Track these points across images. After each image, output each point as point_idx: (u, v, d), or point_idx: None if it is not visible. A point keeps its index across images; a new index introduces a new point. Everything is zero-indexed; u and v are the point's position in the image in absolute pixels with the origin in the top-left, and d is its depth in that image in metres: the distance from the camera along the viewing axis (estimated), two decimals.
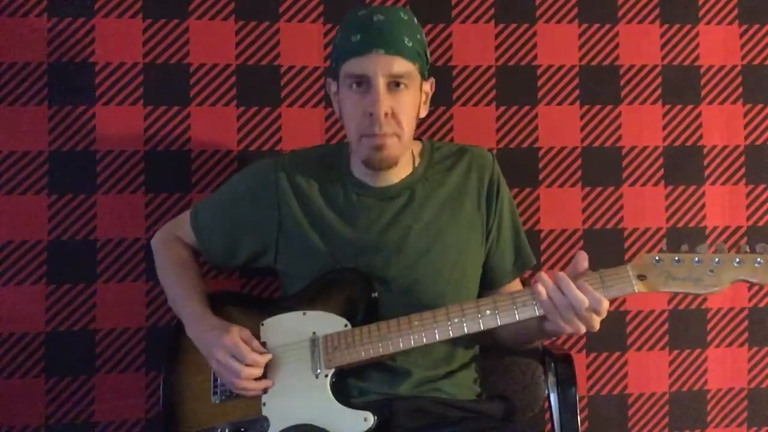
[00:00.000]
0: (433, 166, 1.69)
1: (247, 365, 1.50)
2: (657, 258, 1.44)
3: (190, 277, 1.70)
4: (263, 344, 1.57)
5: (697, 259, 1.42)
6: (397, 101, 1.53)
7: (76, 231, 1.95)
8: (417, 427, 1.54)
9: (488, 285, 1.71)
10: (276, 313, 1.61)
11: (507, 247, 1.71)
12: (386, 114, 1.52)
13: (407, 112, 1.55)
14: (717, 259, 1.41)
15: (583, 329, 1.43)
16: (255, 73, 2.00)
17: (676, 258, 1.43)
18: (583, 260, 1.45)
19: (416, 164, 1.67)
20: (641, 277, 1.44)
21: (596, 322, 1.43)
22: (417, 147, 1.70)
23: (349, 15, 1.58)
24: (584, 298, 1.40)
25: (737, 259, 1.40)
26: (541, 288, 1.42)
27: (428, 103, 1.64)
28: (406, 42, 1.52)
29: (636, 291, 1.43)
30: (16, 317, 1.93)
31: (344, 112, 1.58)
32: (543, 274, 1.43)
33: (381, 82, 1.51)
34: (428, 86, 1.63)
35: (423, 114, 1.63)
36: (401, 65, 1.52)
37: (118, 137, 1.96)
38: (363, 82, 1.53)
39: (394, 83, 1.53)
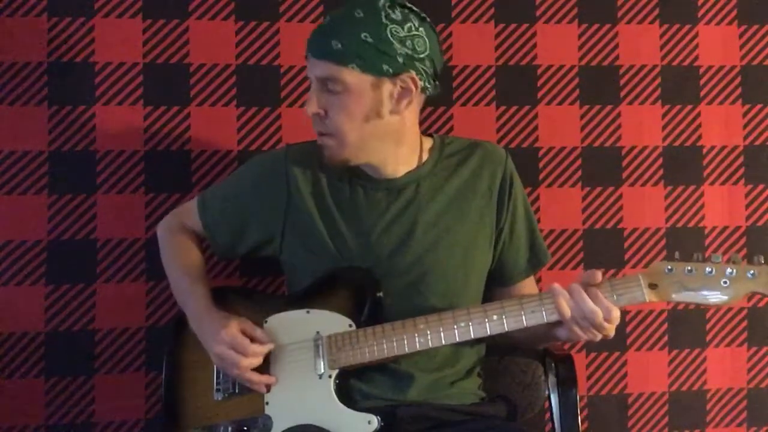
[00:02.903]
0: (442, 160, 1.67)
1: (246, 356, 1.50)
2: (669, 267, 1.42)
3: (194, 268, 1.70)
4: None
5: (710, 269, 1.39)
6: (330, 102, 1.54)
7: (76, 231, 1.94)
8: (419, 429, 1.54)
9: (502, 282, 1.70)
10: (280, 311, 1.60)
11: (521, 245, 1.70)
12: (317, 114, 1.55)
13: (341, 114, 1.54)
14: (730, 270, 1.38)
15: (599, 337, 1.45)
16: (255, 73, 2.00)
17: (689, 268, 1.40)
18: (595, 275, 1.46)
19: (424, 159, 1.66)
20: (652, 286, 1.42)
21: (611, 330, 1.45)
22: (428, 143, 1.69)
23: None
24: (597, 308, 1.41)
25: (751, 271, 1.37)
26: (561, 301, 1.43)
27: (412, 100, 1.56)
28: (333, 45, 1.50)
29: (647, 300, 1.42)
30: (16, 317, 1.92)
31: None
32: (557, 287, 1.45)
33: (314, 84, 1.56)
34: (402, 83, 1.54)
35: (401, 108, 1.56)
36: (325, 68, 1.52)
37: (118, 137, 1.96)
38: None
39: (325, 86, 1.54)
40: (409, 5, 1.56)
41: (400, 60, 1.52)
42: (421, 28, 1.55)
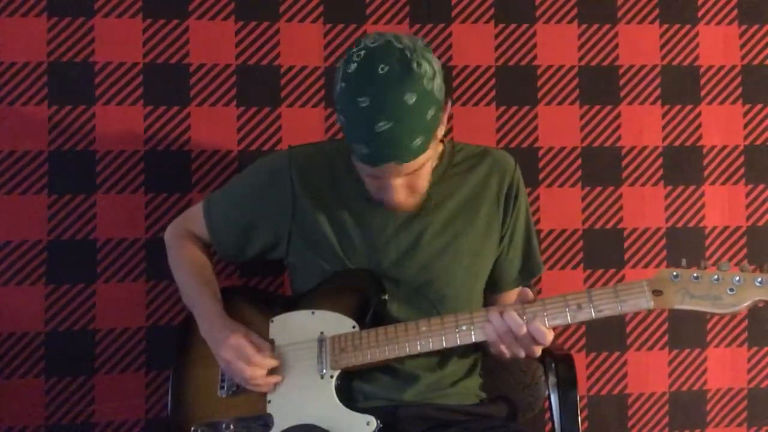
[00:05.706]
0: (452, 167, 1.65)
1: (251, 365, 1.51)
2: (675, 274, 1.39)
3: (203, 274, 1.70)
4: (271, 341, 1.58)
5: (716, 276, 1.37)
6: (412, 181, 1.50)
7: (76, 231, 1.94)
8: (420, 430, 1.54)
9: (491, 290, 1.70)
10: (285, 311, 1.61)
11: (516, 255, 1.69)
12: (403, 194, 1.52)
13: (424, 177, 1.51)
14: (738, 278, 1.36)
15: (522, 354, 1.46)
16: (255, 73, 2.00)
17: (695, 275, 1.38)
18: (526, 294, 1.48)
19: (434, 166, 1.60)
20: (657, 293, 1.40)
21: (539, 350, 1.47)
22: (438, 148, 1.64)
23: (345, 93, 1.42)
24: (524, 325, 1.42)
25: (759, 279, 1.35)
26: (488, 327, 1.45)
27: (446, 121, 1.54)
28: (415, 143, 1.41)
29: (651, 307, 1.40)
30: (16, 317, 1.92)
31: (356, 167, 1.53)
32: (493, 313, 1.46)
33: (396, 181, 1.48)
34: (445, 118, 1.50)
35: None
36: (415, 164, 1.44)
37: (118, 137, 1.96)
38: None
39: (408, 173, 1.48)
40: (410, 39, 1.45)
41: (443, 101, 1.47)
42: (431, 55, 1.46)
